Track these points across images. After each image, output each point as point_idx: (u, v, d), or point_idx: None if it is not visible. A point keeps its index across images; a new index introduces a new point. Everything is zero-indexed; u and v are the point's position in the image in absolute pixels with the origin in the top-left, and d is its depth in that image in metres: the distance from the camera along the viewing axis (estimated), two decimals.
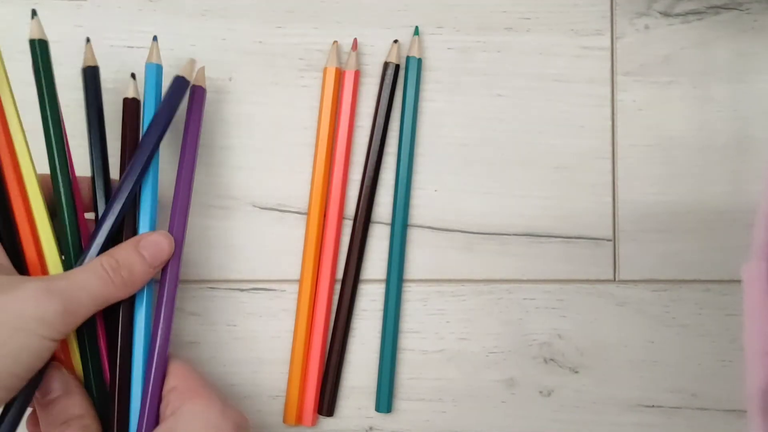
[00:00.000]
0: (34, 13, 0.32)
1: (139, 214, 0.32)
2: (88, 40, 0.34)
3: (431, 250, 0.37)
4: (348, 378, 0.37)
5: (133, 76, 0.33)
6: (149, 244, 0.32)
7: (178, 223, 0.33)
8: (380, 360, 0.37)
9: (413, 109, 0.37)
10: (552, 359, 0.37)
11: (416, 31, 0.37)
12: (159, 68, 0.33)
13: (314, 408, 0.36)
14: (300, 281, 0.37)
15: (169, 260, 0.32)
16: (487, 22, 0.38)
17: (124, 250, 0.31)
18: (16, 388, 0.28)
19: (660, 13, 0.38)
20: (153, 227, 0.33)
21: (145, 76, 0.33)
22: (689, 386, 0.37)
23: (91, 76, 0.33)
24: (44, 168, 0.32)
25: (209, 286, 0.37)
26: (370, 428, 0.37)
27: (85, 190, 0.33)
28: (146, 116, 0.33)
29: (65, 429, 0.30)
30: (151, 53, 0.33)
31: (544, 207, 0.38)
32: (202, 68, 0.34)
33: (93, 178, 0.33)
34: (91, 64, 0.33)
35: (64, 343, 0.31)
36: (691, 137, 0.38)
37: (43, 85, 0.32)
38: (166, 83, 0.33)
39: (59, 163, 0.32)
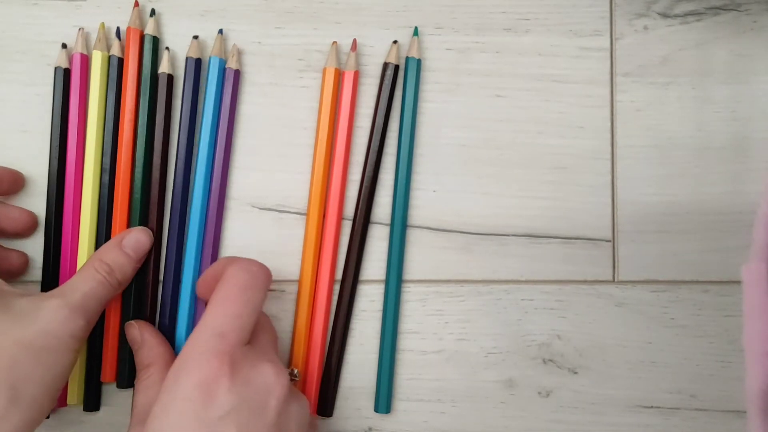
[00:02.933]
0: None
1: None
2: None
3: (430, 251, 0.37)
4: (347, 378, 0.37)
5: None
6: (131, 241, 0.33)
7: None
8: (379, 360, 0.37)
9: (412, 110, 0.37)
10: (551, 360, 0.37)
11: (415, 32, 0.37)
12: (221, 61, 0.36)
13: (314, 408, 0.36)
14: (299, 282, 0.37)
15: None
16: (487, 23, 0.38)
17: (112, 252, 0.33)
18: (56, 399, 0.30)
19: (659, 14, 0.38)
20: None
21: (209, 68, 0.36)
22: (688, 387, 0.38)
23: None
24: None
25: None
26: (369, 429, 0.37)
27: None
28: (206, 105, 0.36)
29: (147, 371, 0.33)
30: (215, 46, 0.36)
31: (543, 207, 0.38)
32: (235, 47, 0.37)
33: None
34: None
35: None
36: (690, 138, 0.38)
37: None
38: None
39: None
